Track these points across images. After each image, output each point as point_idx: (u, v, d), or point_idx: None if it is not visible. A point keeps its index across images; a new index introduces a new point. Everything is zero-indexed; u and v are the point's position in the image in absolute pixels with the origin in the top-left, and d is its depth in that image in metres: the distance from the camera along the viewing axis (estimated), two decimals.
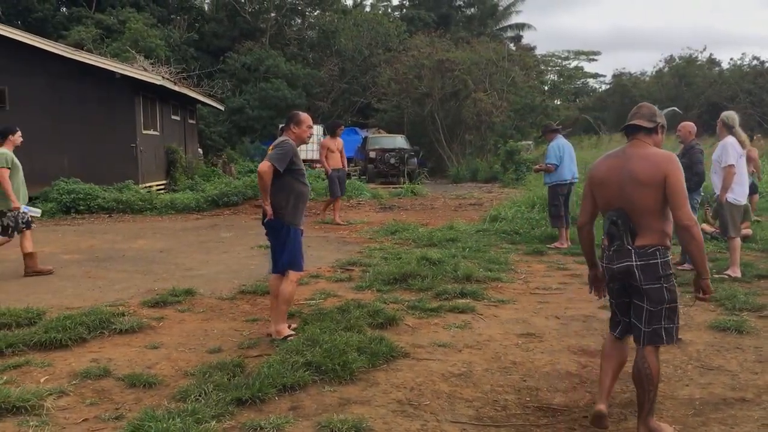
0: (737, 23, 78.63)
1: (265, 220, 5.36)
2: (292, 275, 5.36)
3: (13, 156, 7.91)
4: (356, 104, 34.03)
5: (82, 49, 17.60)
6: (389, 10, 44.53)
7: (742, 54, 64.67)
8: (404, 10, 43.98)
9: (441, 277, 7.13)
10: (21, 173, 7.96)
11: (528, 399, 4.18)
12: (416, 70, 28.48)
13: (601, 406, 3.62)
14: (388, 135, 27.38)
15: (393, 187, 18.61)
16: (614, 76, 48.26)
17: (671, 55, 43.59)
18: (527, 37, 49.34)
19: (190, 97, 20.82)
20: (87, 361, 4.79)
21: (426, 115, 29.06)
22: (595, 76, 52.19)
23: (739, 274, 7.42)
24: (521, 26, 47.85)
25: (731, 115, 7.80)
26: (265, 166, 5.20)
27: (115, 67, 16.31)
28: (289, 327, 5.38)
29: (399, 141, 26.51)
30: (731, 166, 7.44)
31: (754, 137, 28.42)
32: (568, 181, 9.64)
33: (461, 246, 9.15)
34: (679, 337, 3.82)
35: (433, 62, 27.56)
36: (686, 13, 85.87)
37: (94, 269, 8.27)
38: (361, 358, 4.58)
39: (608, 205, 3.62)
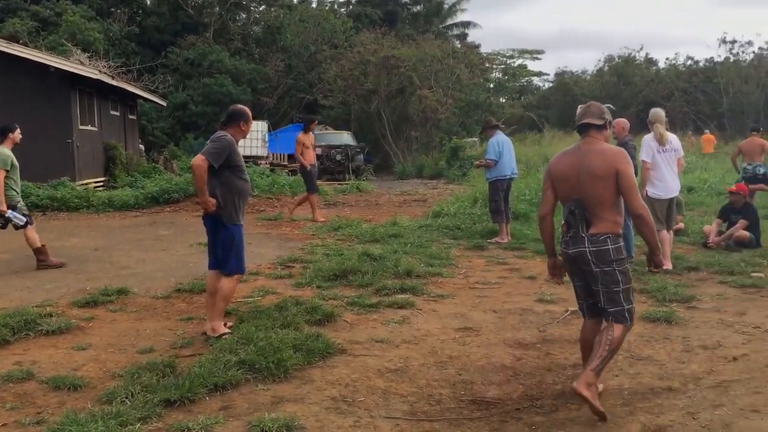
0: (673, 25, 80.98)
1: (205, 217, 5.25)
2: (234, 275, 5.30)
3: (13, 156, 7.85)
4: (303, 101, 33.78)
5: (18, 42, 16.94)
6: (336, 7, 44.36)
7: (676, 54, 66.81)
8: (351, 7, 43.84)
9: (382, 273, 7.12)
10: (18, 171, 7.97)
11: (462, 393, 4.19)
12: (362, 67, 28.50)
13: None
14: (334, 131, 27.31)
15: (338, 184, 18.55)
16: (557, 74, 49.23)
17: (610, 55, 44.67)
18: (473, 36, 49.77)
19: (131, 92, 20.31)
20: (9, 364, 4.60)
21: (372, 111, 29.11)
22: (539, 74, 53.09)
23: (670, 266, 7.61)
24: (467, 24, 48.36)
25: (653, 112, 8.01)
26: (198, 159, 5.09)
27: (50, 60, 15.79)
28: (225, 325, 5.28)
29: (345, 137, 26.47)
30: (644, 162, 7.64)
31: (687, 135, 29.37)
32: (508, 177, 9.76)
33: (403, 242, 9.16)
34: None
35: (378, 59, 27.62)
36: (626, 15, 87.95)
37: (23, 269, 7.98)
38: (297, 356, 4.53)
39: (567, 197, 3.93)
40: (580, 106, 4.26)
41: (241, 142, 5.48)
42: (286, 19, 34.60)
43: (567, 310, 5.90)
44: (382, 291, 6.52)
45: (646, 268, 7.17)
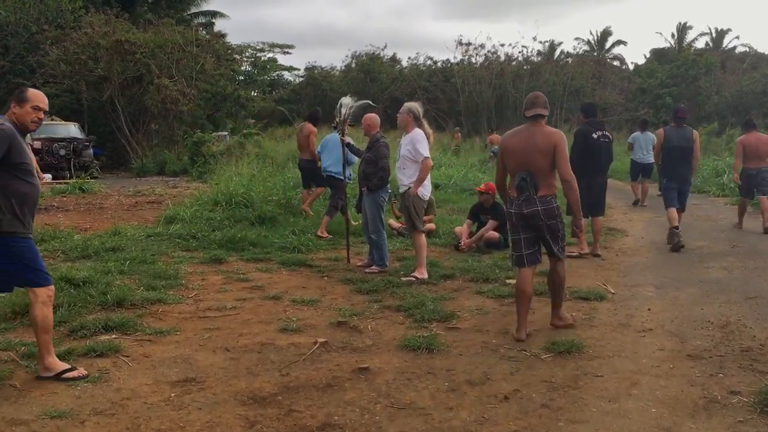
0: (415, 28, 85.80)
1: None
2: (40, 292, 4.18)
3: None
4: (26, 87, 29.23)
5: None
6: None
7: (417, 53, 70.38)
8: None
9: (83, 306, 5.54)
10: None
11: None
12: (91, 51, 25.33)
13: (522, 334, 5.00)
14: (57, 123, 23.89)
15: (56, 183, 15.91)
16: (306, 69, 48.93)
17: (357, 51, 45.42)
18: (222, 26, 47.74)
19: None
20: None
21: (105, 101, 26.06)
22: (291, 69, 52.46)
23: (426, 275, 7.01)
24: (213, 14, 46.13)
25: (417, 106, 7.35)
26: None
27: None
28: None
29: (71, 129, 23.25)
30: (427, 158, 7.00)
31: (454, 132, 30.58)
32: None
33: (123, 257, 7.54)
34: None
35: (110, 42, 24.70)
36: (375, 15, 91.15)
37: None
38: None
39: (518, 168, 5.06)
40: (529, 96, 5.27)
41: None
42: None
43: (316, 342, 4.89)
44: (77, 332, 4.98)
45: (401, 278, 6.64)
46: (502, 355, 4.67)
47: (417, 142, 7.01)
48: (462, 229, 9.04)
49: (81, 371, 4.22)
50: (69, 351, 4.55)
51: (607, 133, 8.63)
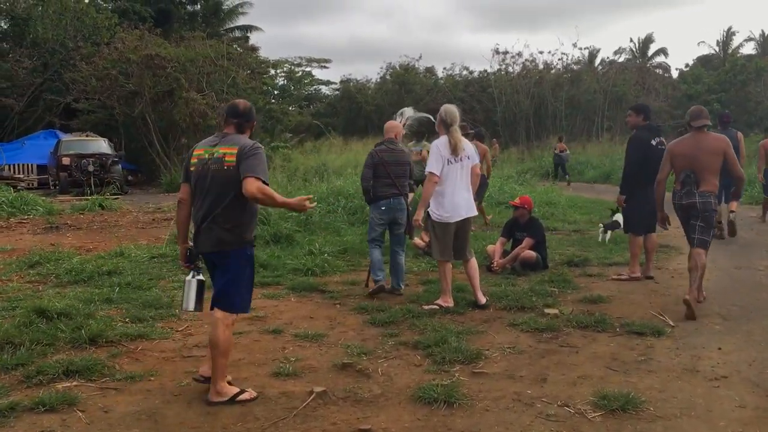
0: (454, 41, 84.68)
1: None
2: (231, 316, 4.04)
3: None
4: (61, 104, 29.24)
5: None
6: (99, 1, 39.76)
7: (452, 63, 68.92)
8: (117, 2, 39.55)
9: (49, 344, 4.79)
10: None
11: None
12: (121, 66, 25.10)
13: (693, 294, 5.84)
14: (86, 138, 23.65)
15: (77, 200, 15.44)
16: (341, 82, 48.43)
17: (391, 63, 44.77)
18: (261, 41, 47.70)
19: None
20: None
21: (137, 116, 25.80)
22: (328, 83, 52.02)
23: (450, 303, 6.12)
24: (248, 28, 46.09)
25: (445, 110, 6.38)
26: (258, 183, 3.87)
27: None
28: None
29: (101, 145, 22.95)
30: (431, 174, 6.10)
31: (492, 143, 29.50)
32: None
33: (118, 282, 6.84)
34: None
35: (140, 57, 24.41)
36: (413, 29, 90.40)
37: None
38: None
39: (684, 167, 6.08)
40: (694, 109, 6.25)
41: None
42: (37, 11, 29.86)
43: (311, 393, 4.05)
44: (32, 379, 4.21)
45: (423, 307, 6.02)
46: (538, 412, 3.76)
47: (431, 153, 6.19)
48: (495, 247, 8.11)
49: (251, 393, 4.02)
50: (11, 406, 3.78)
51: (663, 139, 7.64)
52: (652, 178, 7.36)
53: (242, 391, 3.99)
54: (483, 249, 8.38)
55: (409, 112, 6.90)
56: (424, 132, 11.52)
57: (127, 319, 5.58)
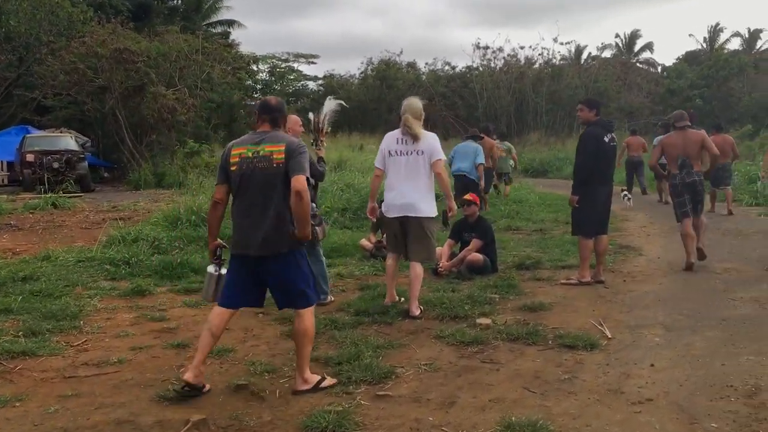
0: (447, 37, 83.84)
1: None
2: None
3: None
4: (36, 100, 28.58)
5: None
6: None
7: (434, 59, 68.00)
8: None
9: None
10: None
11: None
12: (90, 60, 24.51)
13: (692, 258, 7.44)
14: (52, 135, 23.12)
15: (30, 198, 14.92)
16: (324, 78, 47.82)
17: (371, 58, 44.24)
18: (249, 37, 47.09)
19: None
20: None
21: (107, 112, 25.25)
22: (315, 78, 51.36)
23: (416, 312, 5.70)
24: (231, 23, 45.49)
25: (406, 101, 6.01)
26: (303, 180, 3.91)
27: None
28: None
29: (68, 142, 22.37)
30: (375, 167, 5.84)
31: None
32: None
33: (29, 289, 6.38)
34: None
35: (109, 51, 23.82)
36: (407, 25, 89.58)
37: None
38: None
39: (678, 155, 7.68)
40: (677, 114, 8.18)
41: None
42: (10, 4, 29.14)
43: (188, 422, 3.61)
44: None
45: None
46: None
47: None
48: (442, 249, 7.70)
49: (331, 380, 4.15)
50: None
51: (614, 136, 7.25)
52: (603, 177, 6.99)
53: (323, 378, 4.13)
54: None
55: (329, 105, 6.38)
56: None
57: (20, 333, 5.12)
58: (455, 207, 5.98)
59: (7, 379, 4.30)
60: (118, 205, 14.43)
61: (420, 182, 5.76)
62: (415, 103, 5.93)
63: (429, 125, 36.31)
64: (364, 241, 8.56)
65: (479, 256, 7.38)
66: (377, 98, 38.03)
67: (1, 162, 24.14)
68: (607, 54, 47.21)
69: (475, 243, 7.46)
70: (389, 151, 5.88)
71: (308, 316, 4.07)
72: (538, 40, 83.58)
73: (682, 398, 3.80)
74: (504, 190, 15.36)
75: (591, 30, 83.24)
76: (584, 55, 46.22)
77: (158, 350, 4.91)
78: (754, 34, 49.37)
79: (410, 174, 5.78)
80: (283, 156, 3.93)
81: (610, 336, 5.04)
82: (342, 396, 3.97)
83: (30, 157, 20.62)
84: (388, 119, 36.72)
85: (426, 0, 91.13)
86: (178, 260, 7.46)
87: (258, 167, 3.97)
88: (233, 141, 4.24)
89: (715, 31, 50.13)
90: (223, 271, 4.25)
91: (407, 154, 5.80)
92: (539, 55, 37.92)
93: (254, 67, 40.77)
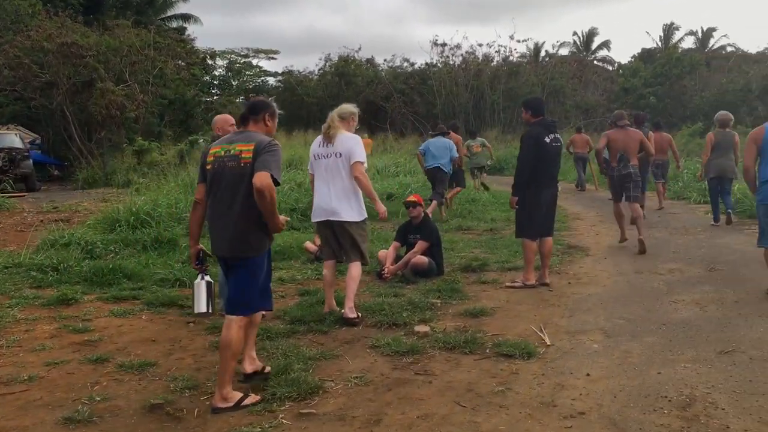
0: (409, 33, 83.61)
1: None
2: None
3: None
4: None
5: None
6: None
7: (393, 55, 67.57)
8: None
9: None
10: None
11: None
12: (36, 55, 23.75)
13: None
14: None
15: None
16: (282, 74, 47.22)
17: (329, 54, 43.84)
18: (207, 31, 46.15)
19: None
20: None
21: (55, 108, 24.51)
22: (276, 74, 50.71)
23: (351, 315, 5.49)
24: (187, 17, 44.61)
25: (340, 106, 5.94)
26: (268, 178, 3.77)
27: None
28: None
29: (12, 140, 21.62)
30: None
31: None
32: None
33: None
34: None
35: (55, 45, 23.09)
36: (368, 21, 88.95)
37: None
38: None
39: (619, 151, 8.74)
40: (617, 113, 9.36)
41: None
42: None
43: None
44: None
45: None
46: None
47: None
48: (387, 252, 7.53)
49: (254, 397, 3.93)
50: None
51: (558, 135, 7.16)
52: (545, 178, 6.88)
53: (246, 395, 3.91)
54: (374, 254, 7.77)
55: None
56: None
57: None
58: (383, 209, 5.77)
59: None
60: (60, 206, 13.93)
61: (339, 186, 5.59)
62: (346, 105, 5.81)
63: (388, 122, 36.15)
64: (308, 244, 8.35)
65: (424, 259, 7.22)
66: (336, 95, 37.57)
67: None
68: (564, 52, 47.61)
69: (420, 245, 7.30)
70: (314, 155, 5.78)
71: (235, 327, 3.89)
72: (495, 37, 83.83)
73: (615, 411, 3.68)
74: (483, 179, 16.82)
75: (549, 27, 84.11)
76: (542, 53, 46.55)
77: (74, 365, 4.63)
78: (708, 33, 50.34)
79: (330, 177, 5.63)
80: (251, 155, 3.83)
81: (549, 343, 4.92)
82: (264, 414, 3.76)
83: None
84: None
85: None
86: (110, 266, 7.13)
87: (227, 166, 3.90)
88: (216, 140, 4.27)
89: (669, 29, 50.95)
90: (209, 278, 4.16)
91: (326, 156, 5.65)
92: (496, 52, 38.04)
93: (210, 63, 40.07)
